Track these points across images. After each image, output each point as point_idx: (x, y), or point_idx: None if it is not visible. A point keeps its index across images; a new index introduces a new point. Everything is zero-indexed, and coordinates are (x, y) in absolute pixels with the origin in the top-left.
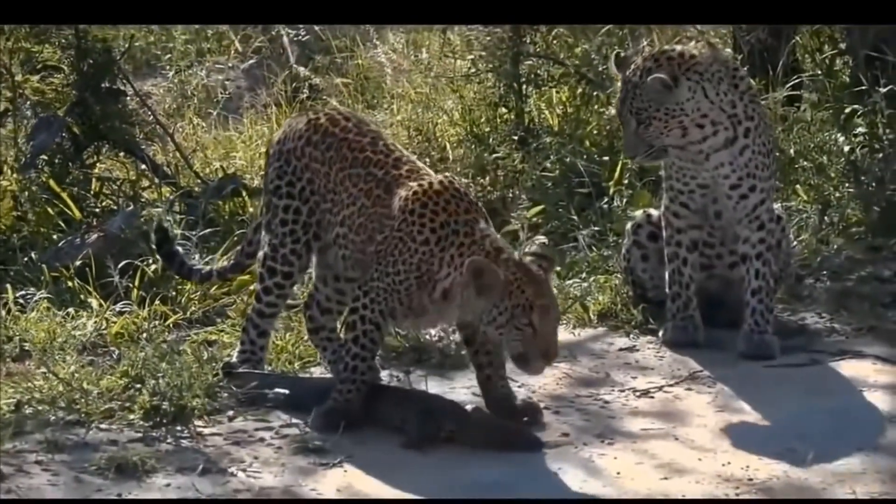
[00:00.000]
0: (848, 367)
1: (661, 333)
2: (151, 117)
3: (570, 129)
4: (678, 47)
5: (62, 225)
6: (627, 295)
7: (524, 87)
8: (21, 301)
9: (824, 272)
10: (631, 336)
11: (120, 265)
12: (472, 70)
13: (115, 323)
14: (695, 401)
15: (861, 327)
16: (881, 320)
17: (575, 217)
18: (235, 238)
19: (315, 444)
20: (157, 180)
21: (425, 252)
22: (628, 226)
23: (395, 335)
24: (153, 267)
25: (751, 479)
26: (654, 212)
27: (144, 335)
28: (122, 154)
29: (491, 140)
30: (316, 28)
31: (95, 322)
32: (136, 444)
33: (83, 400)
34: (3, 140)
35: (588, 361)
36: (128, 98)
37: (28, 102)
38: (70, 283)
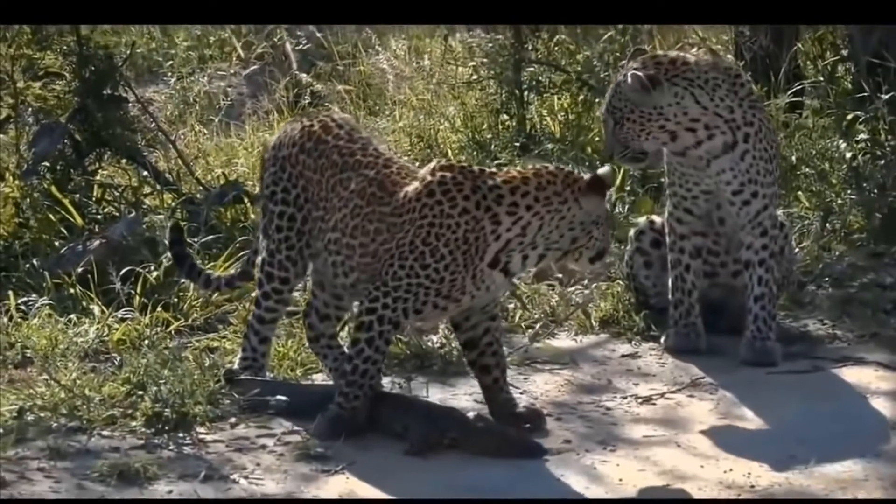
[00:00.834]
0: (850, 374)
1: (663, 340)
2: (153, 124)
3: (571, 135)
4: (673, 53)
5: (64, 231)
6: (630, 302)
7: (526, 93)
8: (23, 307)
9: (826, 279)
10: (633, 343)
11: (122, 272)
12: (474, 77)
13: (116, 329)
14: (697, 407)
15: (863, 334)
16: (883, 327)
17: None
18: (238, 245)
19: (317, 451)
20: (158, 187)
21: (468, 220)
22: (631, 232)
23: (396, 342)
24: (155, 274)
25: (753, 486)
26: (657, 218)
27: (146, 342)
28: (124, 161)
29: (493, 147)
30: (318, 34)
31: (97, 329)
32: (138, 451)
33: (85, 407)
34: (5, 147)
35: (590, 368)
36: (130, 105)
37: (30, 109)
38: (72, 290)
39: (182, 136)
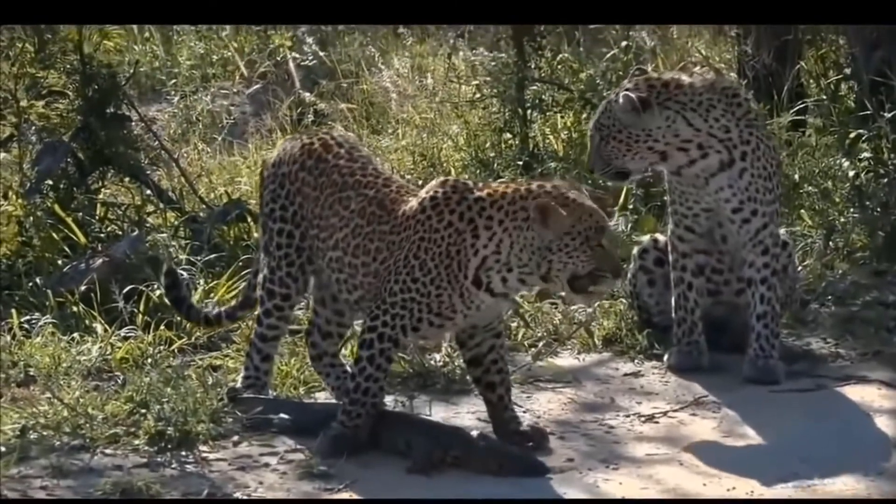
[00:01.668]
0: (853, 392)
1: (665, 358)
2: (156, 142)
3: (574, 154)
4: (668, 75)
5: (67, 250)
6: (632, 320)
7: (529, 112)
8: (26, 326)
9: (829, 297)
10: (636, 361)
11: (125, 290)
12: (477, 95)
13: (119, 348)
14: (700, 426)
15: (866, 352)
16: (886, 345)
17: None
18: (241, 263)
19: (320, 469)
20: (161, 205)
21: (452, 234)
22: (635, 250)
23: (399, 360)
24: (158, 292)
25: None
26: (660, 237)
27: (149, 360)
28: (127, 179)
29: (496, 165)
30: (321, 53)
31: (100, 347)
32: (142, 470)
33: (88, 425)
34: (8, 165)
35: (593, 386)
36: (133, 123)
37: (33, 128)
38: (75, 308)
39: (185, 155)
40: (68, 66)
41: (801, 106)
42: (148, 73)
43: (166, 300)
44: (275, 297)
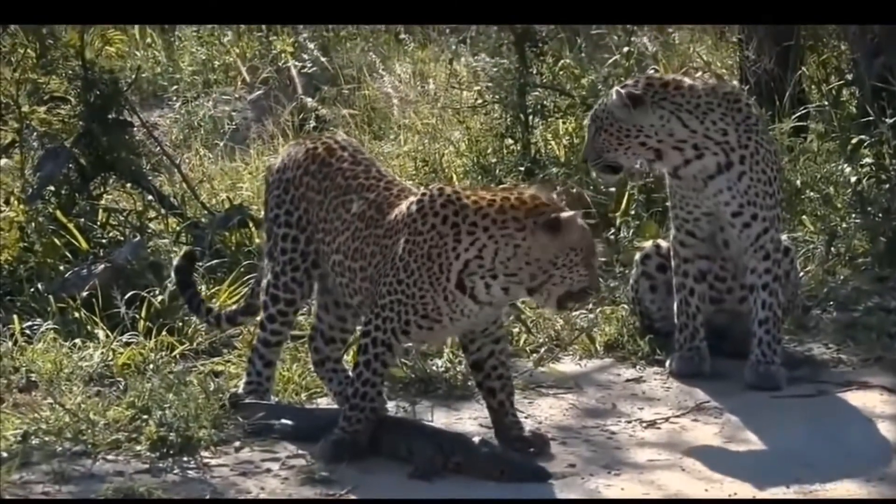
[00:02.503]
0: (854, 398)
1: (667, 364)
2: (158, 148)
3: (576, 159)
4: (671, 76)
5: (69, 256)
6: (634, 326)
7: (530, 118)
8: (28, 332)
9: (831, 303)
10: (638, 367)
11: (126, 296)
12: (479, 101)
13: (121, 354)
14: (701, 431)
15: (868, 358)
16: (888, 351)
17: None
18: (242, 269)
19: (321, 474)
20: (163, 211)
21: (433, 236)
22: (637, 256)
23: (401, 365)
24: (160, 298)
25: None
26: (663, 243)
27: (151, 366)
28: (128, 185)
29: (497, 171)
30: (323, 59)
31: (102, 353)
32: (143, 476)
33: (90, 431)
34: (9, 171)
35: (595, 392)
36: (134, 129)
37: (35, 133)
38: (77, 314)
39: (187, 161)
40: (70, 72)
41: (803, 112)
42: (150, 79)
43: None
44: (279, 302)
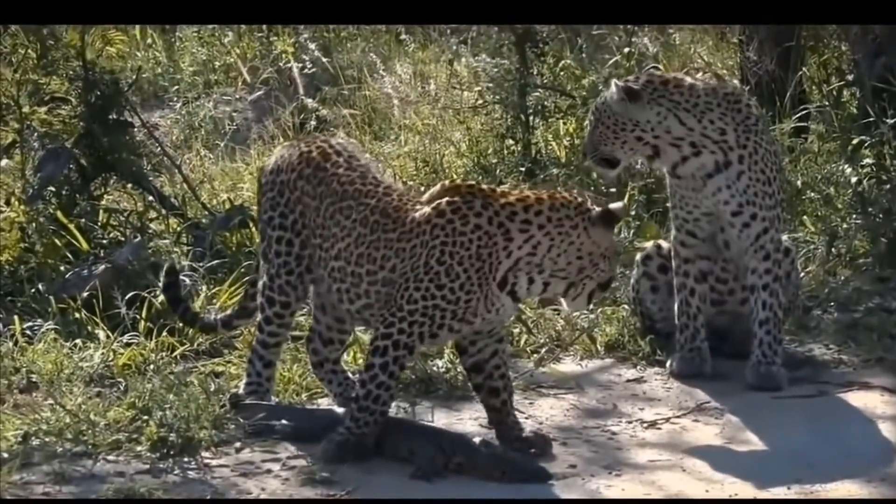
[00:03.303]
0: (855, 399)
1: (668, 364)
2: (159, 149)
3: (577, 160)
4: (672, 75)
5: (69, 256)
6: (635, 326)
7: (531, 118)
8: (28, 332)
9: (832, 303)
10: (638, 367)
11: (127, 296)
12: (480, 102)
13: (122, 354)
14: (702, 432)
15: (869, 358)
16: (889, 351)
17: None
18: (243, 269)
19: (322, 475)
20: (164, 212)
21: (481, 237)
22: (638, 256)
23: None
24: (160, 298)
25: None
26: (664, 243)
27: (151, 367)
28: (129, 185)
29: (498, 171)
30: (324, 59)
31: (103, 353)
32: (144, 476)
33: (90, 431)
34: (10, 171)
35: (595, 393)
36: (135, 129)
37: (35, 134)
38: (77, 315)
39: (187, 161)
40: (71, 73)
41: (804, 112)
42: (150, 80)
43: (164, 298)
44: (274, 304)
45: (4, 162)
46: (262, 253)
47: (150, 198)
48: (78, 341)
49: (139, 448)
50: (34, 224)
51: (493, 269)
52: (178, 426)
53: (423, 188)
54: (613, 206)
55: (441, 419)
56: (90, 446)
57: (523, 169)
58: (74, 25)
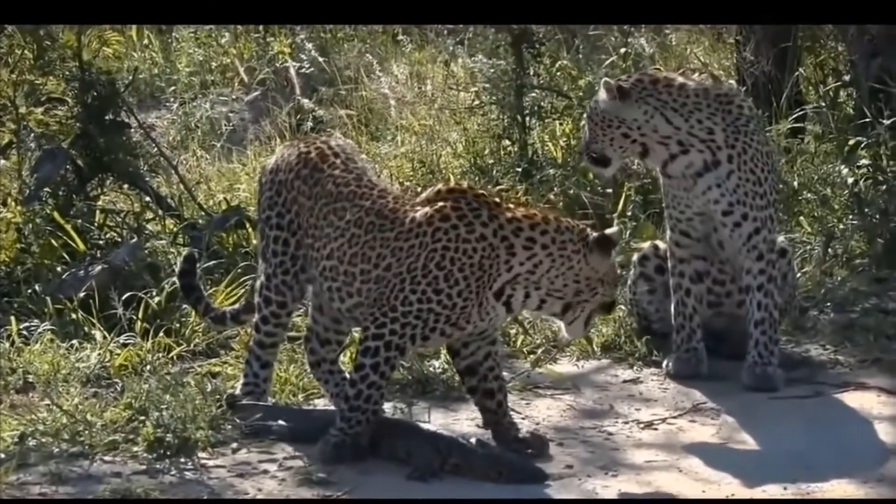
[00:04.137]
0: (852, 399)
1: (664, 365)
2: (155, 149)
3: (573, 161)
4: (663, 74)
5: (66, 257)
6: (631, 327)
7: (528, 119)
8: (25, 333)
9: (828, 304)
10: (635, 368)
11: (124, 297)
12: (476, 102)
13: (118, 355)
14: (699, 432)
15: (865, 359)
16: (885, 352)
17: None
18: (240, 270)
19: (319, 476)
20: (161, 212)
21: (485, 247)
22: (635, 257)
23: (398, 367)
24: (157, 299)
25: None
26: (661, 244)
27: (148, 367)
28: (126, 186)
29: (495, 172)
30: (320, 59)
31: (99, 354)
32: (140, 477)
33: (87, 432)
34: (7, 172)
35: (592, 393)
36: (132, 130)
37: (32, 134)
38: (74, 315)
39: (184, 162)
40: (67, 73)
41: (800, 113)
42: (147, 80)
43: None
44: (271, 304)
45: (1, 163)
46: (261, 252)
47: (147, 198)
48: (74, 342)
49: (136, 448)
50: (31, 225)
51: (491, 279)
52: (175, 427)
53: (419, 189)
54: (609, 231)
55: (438, 420)
56: (87, 447)
57: (520, 169)
58: (71, 26)
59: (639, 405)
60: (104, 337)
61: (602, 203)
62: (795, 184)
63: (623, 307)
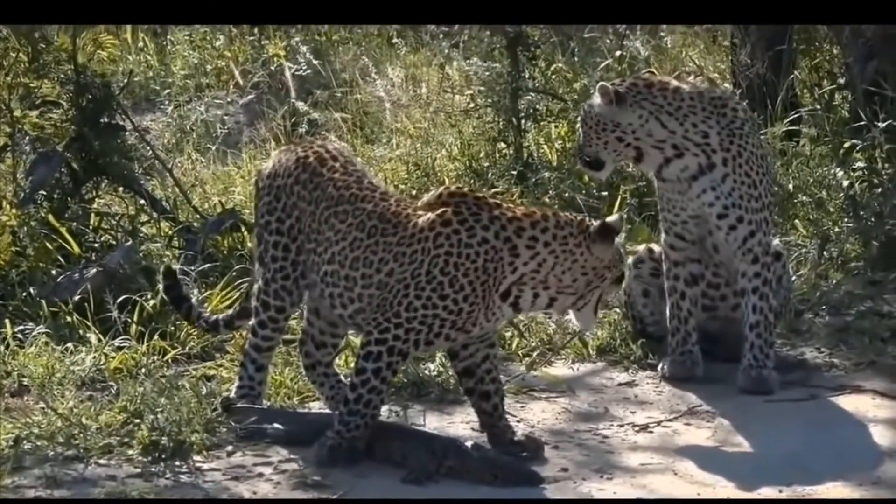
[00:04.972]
0: (847, 402)
1: (660, 368)
2: (150, 152)
3: (568, 163)
4: (658, 78)
5: (61, 260)
6: (626, 330)
7: (523, 121)
8: (20, 336)
9: (823, 307)
10: (630, 371)
11: (119, 300)
12: (471, 105)
13: (113, 358)
14: (694, 435)
15: (860, 362)
16: (880, 355)
17: None
18: (234, 273)
19: (314, 479)
20: (155, 215)
21: (488, 251)
22: (630, 260)
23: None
24: (152, 302)
25: None
26: (656, 247)
27: (143, 370)
28: (120, 189)
29: (490, 175)
30: (315, 62)
31: (94, 357)
32: (135, 480)
33: (82, 435)
34: (1, 175)
35: (587, 396)
36: (127, 133)
37: (27, 137)
38: (69, 318)
39: (179, 165)
40: (62, 76)
41: (796, 116)
42: (142, 83)
43: (166, 299)
44: (269, 308)
45: None
46: (259, 257)
47: (142, 201)
48: (69, 345)
49: (131, 452)
50: (25, 228)
51: (496, 282)
52: (170, 430)
53: (415, 192)
54: (610, 219)
55: (433, 422)
56: (82, 450)
57: (515, 172)
58: (66, 29)
59: (634, 408)
60: (99, 340)
61: (597, 206)
62: (790, 187)
63: (618, 310)
